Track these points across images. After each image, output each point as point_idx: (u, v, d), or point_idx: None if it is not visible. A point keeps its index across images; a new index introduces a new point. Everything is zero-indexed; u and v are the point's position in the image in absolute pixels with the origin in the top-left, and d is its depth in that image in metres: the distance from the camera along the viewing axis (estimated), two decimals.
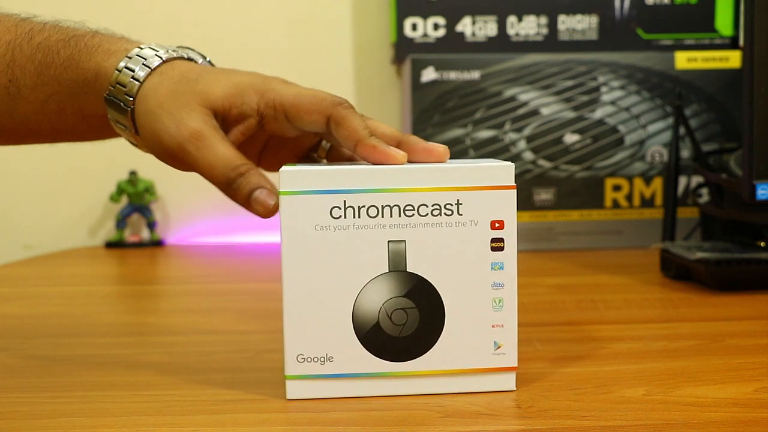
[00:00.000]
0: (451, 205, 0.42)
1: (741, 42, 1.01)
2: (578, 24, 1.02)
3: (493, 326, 0.43)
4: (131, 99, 0.46)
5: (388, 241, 0.42)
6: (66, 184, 1.10)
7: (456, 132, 0.98)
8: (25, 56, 0.48)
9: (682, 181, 0.98)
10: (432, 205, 0.42)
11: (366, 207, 0.42)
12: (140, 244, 1.07)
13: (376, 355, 0.42)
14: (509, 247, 0.42)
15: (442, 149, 0.44)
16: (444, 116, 0.98)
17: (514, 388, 0.44)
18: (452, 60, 0.97)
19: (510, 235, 0.42)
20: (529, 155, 0.98)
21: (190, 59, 0.49)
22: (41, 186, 1.10)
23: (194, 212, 1.10)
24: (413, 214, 0.42)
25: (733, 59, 0.99)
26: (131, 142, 0.49)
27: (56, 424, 0.40)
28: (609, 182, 0.99)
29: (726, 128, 0.99)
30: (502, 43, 1.02)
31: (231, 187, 0.44)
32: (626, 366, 0.48)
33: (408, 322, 0.42)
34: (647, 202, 1.00)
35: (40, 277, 0.88)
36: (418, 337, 0.42)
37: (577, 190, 0.99)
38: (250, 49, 1.09)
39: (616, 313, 0.63)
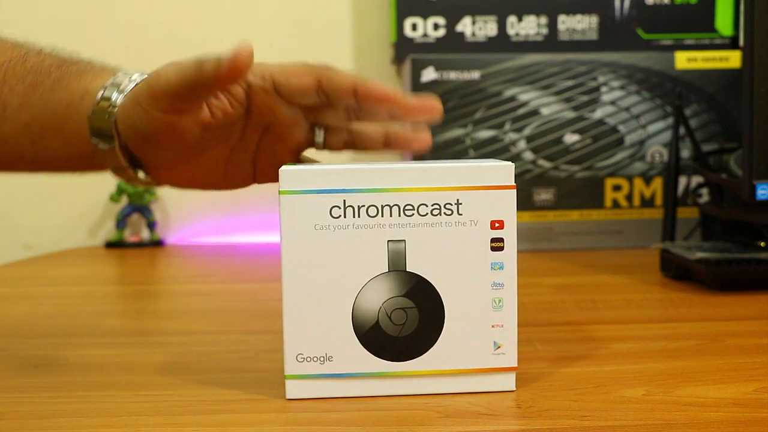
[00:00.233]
0: (451, 204, 0.42)
1: (741, 42, 1.01)
2: (578, 24, 1.02)
3: (492, 326, 0.43)
4: (114, 109, 0.46)
5: (388, 241, 0.42)
6: (66, 184, 1.10)
7: (456, 132, 0.98)
8: (17, 77, 0.48)
9: (682, 181, 0.98)
10: (432, 205, 0.42)
11: (366, 206, 0.42)
12: (140, 244, 1.07)
13: (375, 355, 0.42)
14: (509, 247, 0.42)
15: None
16: (444, 116, 0.97)
17: (514, 388, 0.44)
18: (452, 60, 0.97)
19: (510, 235, 0.42)
20: (529, 155, 0.98)
21: None
22: (41, 186, 1.10)
23: (194, 212, 1.10)
24: (413, 214, 0.42)
25: (733, 59, 0.99)
26: (111, 169, 0.49)
27: (56, 424, 0.40)
28: (609, 182, 0.99)
29: (726, 128, 0.99)
30: (502, 43, 1.02)
31: (200, 71, 0.42)
32: (626, 366, 0.48)
33: (408, 321, 0.42)
34: (647, 202, 1.00)
35: (40, 277, 0.88)
36: (418, 336, 0.42)
37: (577, 190, 0.99)
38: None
39: (616, 313, 0.63)
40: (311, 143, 0.50)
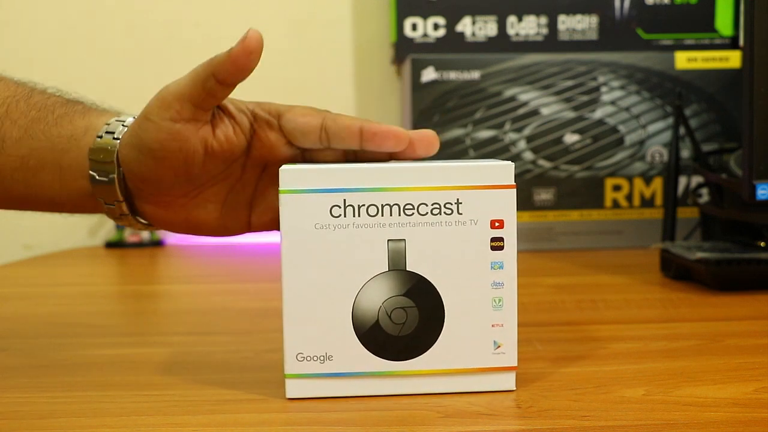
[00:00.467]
0: (451, 204, 0.42)
1: (741, 42, 1.01)
2: (578, 24, 1.02)
3: (492, 326, 0.43)
4: (117, 141, 0.46)
5: (388, 240, 0.42)
6: None
7: (456, 132, 0.98)
8: (20, 111, 0.48)
9: (682, 181, 0.98)
10: (432, 204, 0.42)
11: (366, 206, 0.42)
12: (140, 244, 1.07)
13: (375, 354, 0.42)
14: (509, 247, 0.42)
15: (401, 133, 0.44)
16: (444, 116, 0.98)
17: (514, 388, 0.44)
18: (452, 60, 0.97)
19: (510, 234, 0.42)
20: (529, 155, 0.98)
21: None
22: None
23: None
24: (413, 213, 0.42)
25: (733, 59, 0.99)
26: (106, 210, 0.48)
27: (56, 424, 0.40)
28: (609, 182, 0.99)
29: (726, 128, 0.99)
30: (502, 43, 1.02)
31: (213, 62, 0.43)
32: (626, 366, 0.48)
33: (407, 321, 0.42)
34: (647, 202, 1.00)
35: (40, 277, 0.88)
36: (418, 336, 0.42)
37: (577, 190, 0.99)
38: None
39: (616, 313, 0.63)
40: None
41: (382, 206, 0.42)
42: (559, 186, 0.99)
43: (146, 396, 0.44)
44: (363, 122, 0.44)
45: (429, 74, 0.98)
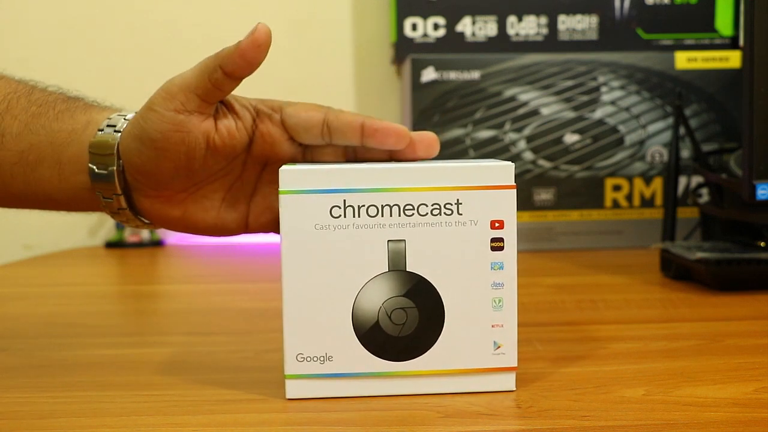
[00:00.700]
0: (451, 204, 0.42)
1: (741, 42, 1.01)
2: (578, 24, 1.02)
3: (492, 326, 0.43)
4: (118, 134, 0.46)
5: (388, 241, 0.42)
6: None
7: (456, 132, 0.98)
8: (20, 107, 0.48)
9: (682, 181, 0.98)
10: (432, 205, 0.42)
11: (366, 206, 0.42)
12: (140, 244, 1.07)
13: (375, 355, 0.42)
14: (509, 247, 0.42)
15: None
16: (444, 116, 0.98)
17: (514, 388, 0.44)
18: (452, 60, 0.97)
19: (510, 234, 0.42)
20: (529, 155, 0.98)
21: None
22: None
23: None
24: (413, 214, 0.42)
25: (733, 59, 0.99)
26: (104, 205, 0.48)
27: (56, 424, 0.40)
28: (609, 182, 0.99)
29: (726, 128, 0.99)
30: (502, 43, 1.02)
31: (221, 55, 0.43)
32: (626, 366, 0.48)
33: (408, 321, 0.42)
34: (647, 202, 1.00)
35: (40, 277, 0.88)
36: (418, 336, 0.42)
37: (577, 190, 0.99)
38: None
39: (616, 313, 0.63)
40: None
41: (382, 207, 0.42)
42: (559, 186, 0.99)
43: (146, 396, 0.44)
44: (365, 118, 0.44)
45: (429, 74, 0.98)
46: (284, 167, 0.42)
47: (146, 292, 0.82)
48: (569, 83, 0.98)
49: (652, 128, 0.99)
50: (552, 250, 0.98)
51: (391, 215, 0.42)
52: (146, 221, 0.49)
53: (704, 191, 0.87)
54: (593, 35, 1.03)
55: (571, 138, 0.99)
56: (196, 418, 0.40)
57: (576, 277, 0.80)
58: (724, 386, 0.44)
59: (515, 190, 0.42)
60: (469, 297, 0.42)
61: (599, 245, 1.00)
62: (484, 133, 0.98)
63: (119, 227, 1.07)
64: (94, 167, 0.46)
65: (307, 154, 0.47)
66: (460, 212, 0.42)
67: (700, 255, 0.70)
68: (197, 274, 0.90)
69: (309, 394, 0.43)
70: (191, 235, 0.50)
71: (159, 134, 0.44)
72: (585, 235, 1.00)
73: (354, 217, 0.42)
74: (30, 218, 1.11)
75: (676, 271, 0.74)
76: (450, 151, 0.97)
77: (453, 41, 1.02)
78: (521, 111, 0.98)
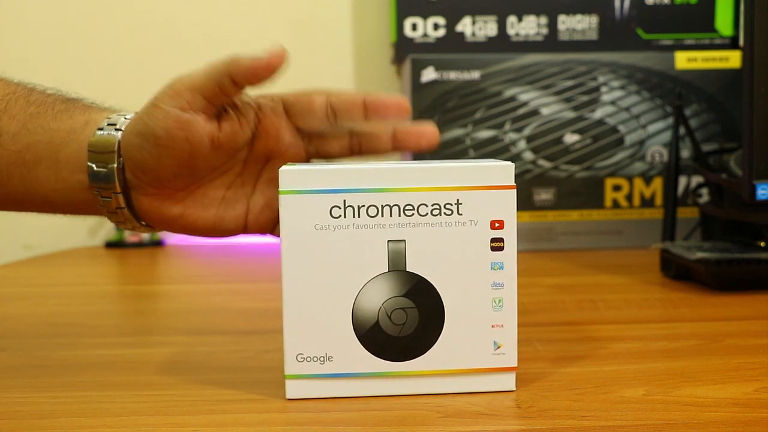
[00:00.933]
0: (451, 204, 0.42)
1: (741, 42, 1.01)
2: (578, 24, 1.02)
3: (492, 326, 0.43)
4: (119, 133, 0.46)
5: (388, 241, 0.42)
6: None
7: (456, 132, 0.98)
8: (19, 107, 0.48)
9: (682, 181, 0.98)
10: (432, 205, 0.42)
11: (366, 206, 0.42)
12: (140, 244, 1.07)
13: (375, 355, 0.42)
14: (509, 247, 0.42)
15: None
16: (444, 116, 0.98)
17: (514, 388, 0.44)
18: (452, 60, 0.97)
19: (510, 235, 0.42)
20: (529, 155, 0.98)
21: None
22: None
23: None
24: (413, 214, 0.42)
25: (733, 59, 0.99)
26: (100, 200, 0.48)
27: (56, 424, 0.40)
28: (609, 182, 0.99)
29: (726, 128, 0.99)
30: (502, 43, 1.02)
31: (233, 64, 0.43)
32: (626, 366, 0.48)
33: (408, 321, 0.42)
34: (647, 202, 1.00)
35: (40, 277, 0.88)
36: (418, 336, 0.42)
37: (577, 190, 0.99)
38: (250, 48, 1.08)
39: (616, 313, 0.63)
40: None
41: (382, 207, 0.42)
42: (559, 186, 0.99)
43: (146, 396, 0.44)
44: (365, 94, 0.45)
45: (429, 74, 0.98)
46: (284, 167, 0.42)
47: (146, 292, 0.81)
48: (569, 83, 0.98)
49: (652, 128, 0.99)
50: (552, 250, 0.98)
51: (391, 215, 0.42)
52: (143, 223, 0.49)
53: (704, 191, 0.87)
54: (593, 35, 1.03)
55: (571, 138, 0.99)
56: (196, 418, 0.40)
57: (576, 277, 0.80)
58: (724, 386, 0.44)
59: (515, 190, 0.42)
60: (469, 297, 0.42)
61: (599, 245, 0.99)
62: (484, 133, 0.98)
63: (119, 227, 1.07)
64: (93, 165, 0.46)
65: (310, 146, 0.47)
66: (460, 212, 0.42)
67: (700, 255, 0.70)
68: (197, 274, 0.90)
69: (309, 394, 0.43)
70: (189, 236, 0.49)
71: (163, 131, 0.44)
72: (585, 235, 1.00)
73: (354, 217, 0.42)
74: (30, 218, 1.10)
75: (676, 271, 0.74)
76: (450, 151, 0.97)
77: (453, 41, 1.02)
78: (521, 111, 0.98)
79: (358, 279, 0.42)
